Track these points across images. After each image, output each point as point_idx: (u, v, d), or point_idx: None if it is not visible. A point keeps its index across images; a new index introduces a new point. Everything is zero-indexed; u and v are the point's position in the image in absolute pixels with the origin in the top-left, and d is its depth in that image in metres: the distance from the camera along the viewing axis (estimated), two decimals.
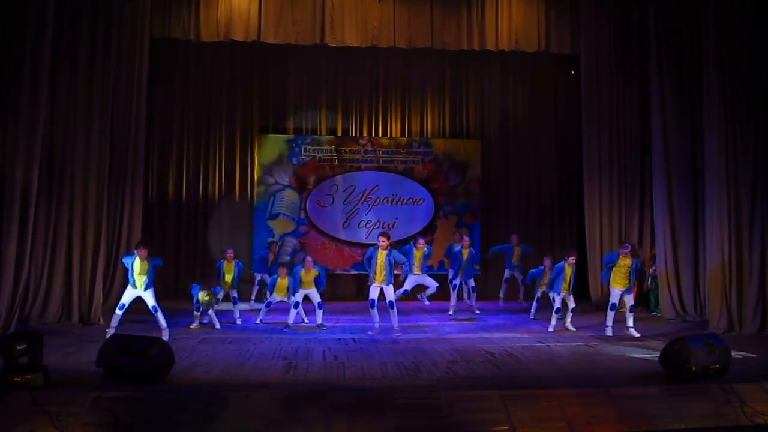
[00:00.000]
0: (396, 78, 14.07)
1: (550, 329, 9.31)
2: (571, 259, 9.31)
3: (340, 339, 8.69)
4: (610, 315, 9.06)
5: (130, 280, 8.45)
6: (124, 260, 8.73)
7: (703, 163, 10.05)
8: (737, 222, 9.44)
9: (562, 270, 9.30)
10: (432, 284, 10.37)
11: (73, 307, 9.68)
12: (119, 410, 5.35)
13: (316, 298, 9.53)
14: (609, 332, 9.00)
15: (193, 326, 9.37)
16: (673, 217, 10.66)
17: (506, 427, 5.42)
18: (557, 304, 9.30)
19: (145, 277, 8.43)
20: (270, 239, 13.11)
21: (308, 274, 9.48)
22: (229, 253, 10.19)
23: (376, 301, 8.96)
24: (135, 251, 8.53)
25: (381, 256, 8.87)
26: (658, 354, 6.66)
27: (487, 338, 8.87)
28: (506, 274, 12.30)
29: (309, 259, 9.72)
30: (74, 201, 9.77)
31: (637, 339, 8.75)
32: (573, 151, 13.88)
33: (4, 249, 8.49)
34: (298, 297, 9.43)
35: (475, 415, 5.56)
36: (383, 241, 8.89)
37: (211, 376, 6.59)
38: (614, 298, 9.05)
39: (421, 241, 10.47)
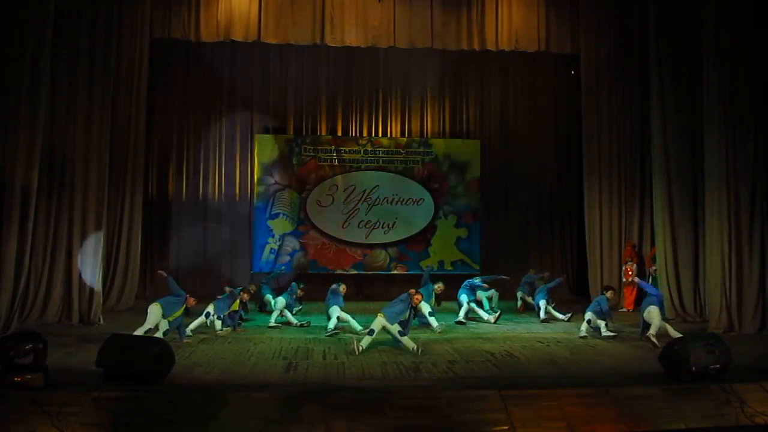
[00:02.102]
0: (396, 78, 14.08)
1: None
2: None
3: (340, 339, 8.68)
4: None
5: (164, 313, 8.02)
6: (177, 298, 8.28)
7: (703, 163, 10.05)
8: (737, 222, 9.44)
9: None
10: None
11: (73, 307, 9.67)
12: (119, 410, 5.34)
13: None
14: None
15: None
16: (673, 217, 10.67)
17: (506, 427, 5.41)
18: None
19: (173, 319, 8.16)
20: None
21: None
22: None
23: (375, 332, 7.93)
24: (189, 298, 8.26)
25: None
26: (658, 354, 6.66)
27: (487, 338, 8.88)
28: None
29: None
30: (74, 201, 9.77)
31: (637, 339, 8.72)
32: (573, 152, 13.89)
33: (4, 249, 8.48)
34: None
35: (475, 415, 5.55)
36: (418, 298, 8.31)
37: (211, 376, 6.59)
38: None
39: (440, 284, 10.10)
